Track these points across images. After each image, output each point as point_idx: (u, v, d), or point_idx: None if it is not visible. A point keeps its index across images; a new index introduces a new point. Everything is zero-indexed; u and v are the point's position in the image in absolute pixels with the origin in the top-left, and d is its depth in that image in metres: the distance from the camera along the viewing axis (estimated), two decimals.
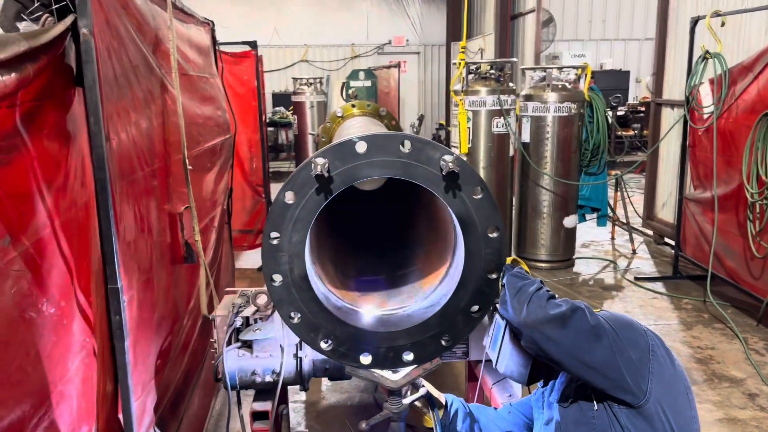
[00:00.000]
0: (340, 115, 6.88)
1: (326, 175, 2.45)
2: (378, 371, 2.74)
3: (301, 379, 3.23)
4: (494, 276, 2.65)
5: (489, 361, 3.11)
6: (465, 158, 7.51)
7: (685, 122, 8.01)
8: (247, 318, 3.37)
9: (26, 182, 2.40)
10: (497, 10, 16.96)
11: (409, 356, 2.71)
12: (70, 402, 2.50)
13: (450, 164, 2.45)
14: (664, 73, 9.91)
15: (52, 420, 2.33)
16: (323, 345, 2.68)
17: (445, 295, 2.74)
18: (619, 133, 16.96)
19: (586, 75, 8.30)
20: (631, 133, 19.01)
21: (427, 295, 2.91)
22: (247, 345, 3.25)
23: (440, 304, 2.70)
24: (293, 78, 16.84)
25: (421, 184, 2.55)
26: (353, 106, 6.94)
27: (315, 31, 21.60)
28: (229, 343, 3.33)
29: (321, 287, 2.80)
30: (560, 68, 8.17)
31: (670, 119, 9.62)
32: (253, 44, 8.37)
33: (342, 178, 2.51)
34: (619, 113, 18.94)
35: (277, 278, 2.60)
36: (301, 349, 3.21)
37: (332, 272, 3.24)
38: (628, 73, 20.85)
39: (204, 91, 4.92)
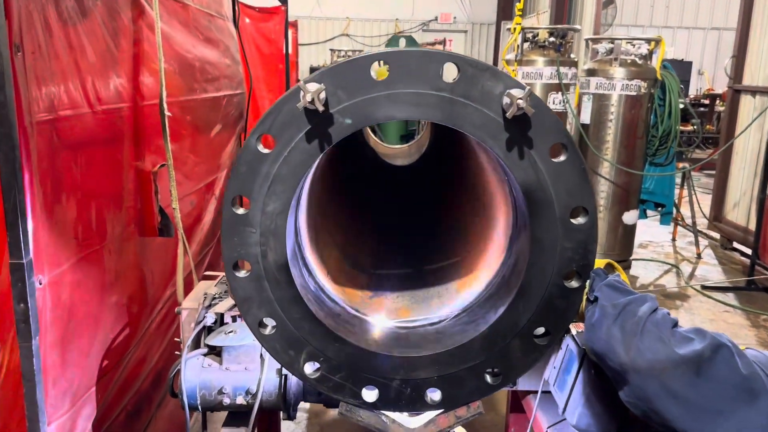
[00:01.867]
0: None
1: (321, 109, 1.55)
2: (389, 414, 1.85)
3: (285, 403, 2.36)
4: (575, 284, 1.72)
5: (545, 393, 2.25)
6: None
7: None
8: (222, 315, 2.51)
9: None
10: None
11: (435, 395, 1.81)
12: None
13: (519, 102, 1.53)
14: (746, 56, 8.70)
15: None
16: (308, 369, 1.80)
17: (494, 308, 1.83)
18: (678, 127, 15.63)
19: (659, 50, 7.19)
20: (691, 128, 17.63)
21: (466, 303, 2.00)
22: (216, 352, 2.39)
23: (487, 321, 1.79)
24: (331, 50, 15.95)
25: (471, 135, 1.63)
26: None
27: (358, 3, 20.61)
28: (196, 347, 2.49)
29: (311, 283, 1.91)
30: (630, 40, 7.08)
31: (751, 108, 8.45)
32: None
33: (347, 118, 1.61)
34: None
35: (243, 266, 1.73)
36: None
37: (337, 261, 2.35)
38: (690, 64, 19.37)
39: (207, 30, 4.06)
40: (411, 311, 2.09)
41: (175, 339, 2.60)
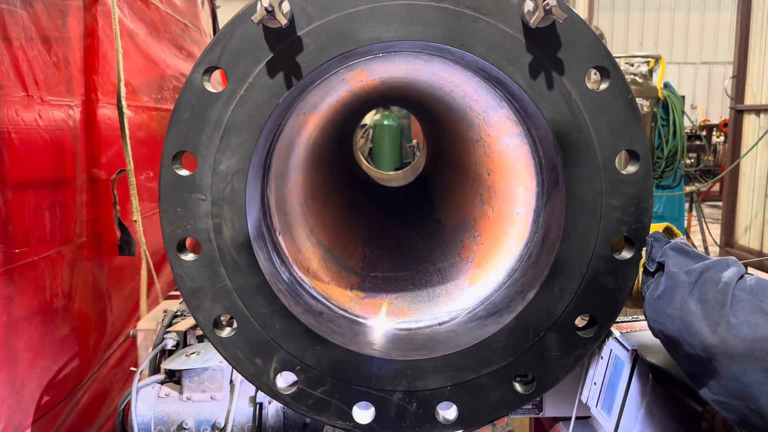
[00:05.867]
0: None
1: (284, 24, 1.18)
2: None
3: None
4: (627, 255, 1.31)
5: (582, 419, 1.84)
6: None
7: None
8: (185, 334, 2.09)
9: None
10: None
11: (449, 411, 1.37)
12: None
13: (547, 7, 1.15)
14: (746, 75, 8.48)
15: None
16: (281, 383, 1.37)
17: (521, 293, 1.41)
18: (684, 146, 15.29)
19: (660, 68, 6.94)
20: (688, 161, 17.37)
21: (483, 296, 1.58)
22: (176, 379, 1.96)
23: (513, 311, 1.37)
24: None
25: (483, 59, 1.25)
26: None
27: None
28: (154, 374, 2.05)
29: (285, 272, 1.50)
30: (629, 58, 6.84)
31: (755, 127, 8.19)
32: None
33: (320, 41, 1.23)
34: None
35: (190, 247, 1.32)
36: None
37: (320, 260, 1.93)
38: (682, 98, 19.33)
39: (180, 38, 3.73)
40: (413, 312, 1.66)
41: (132, 369, 2.16)
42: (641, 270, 1.31)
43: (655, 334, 1.23)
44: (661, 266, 1.23)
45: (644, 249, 1.30)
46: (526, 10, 1.20)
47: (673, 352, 1.19)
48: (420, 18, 1.23)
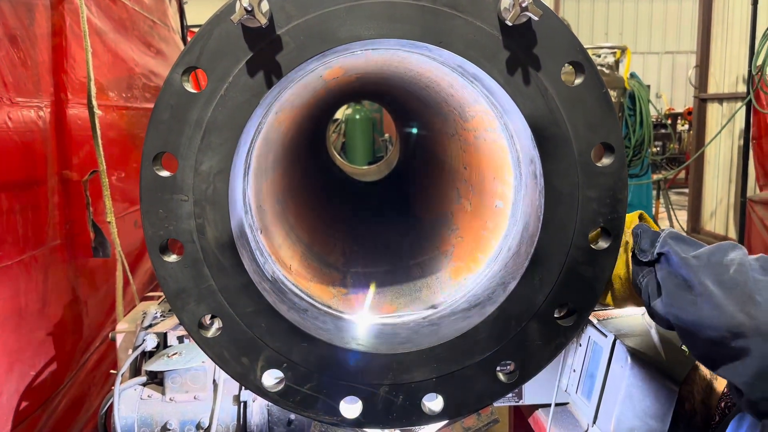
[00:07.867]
0: None
1: (264, 23, 1.18)
2: None
3: None
4: (604, 245, 1.35)
5: (561, 405, 1.91)
6: None
7: (748, 111, 6.73)
8: (165, 335, 2.08)
9: None
10: None
11: (435, 403, 1.40)
12: None
13: (523, 4, 1.18)
14: (709, 65, 8.67)
15: None
16: (267, 380, 1.38)
17: (502, 284, 1.44)
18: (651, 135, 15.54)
19: (626, 59, 7.06)
20: (654, 150, 17.67)
21: (464, 288, 1.61)
22: (158, 380, 1.95)
23: (495, 302, 1.40)
24: None
25: (461, 56, 1.27)
26: None
27: None
28: (135, 375, 2.04)
29: (268, 270, 1.51)
30: (595, 49, 6.95)
31: (719, 116, 8.38)
32: None
33: (300, 40, 1.24)
34: None
35: (173, 249, 1.32)
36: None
37: (301, 258, 1.94)
38: (647, 88, 19.66)
39: (149, 36, 3.69)
40: (397, 306, 1.69)
41: (112, 371, 2.14)
42: (630, 259, 1.34)
43: (664, 324, 1.24)
44: (658, 256, 1.26)
45: (627, 240, 1.33)
46: (502, 8, 1.22)
47: (690, 338, 1.19)
48: (399, 16, 1.25)
